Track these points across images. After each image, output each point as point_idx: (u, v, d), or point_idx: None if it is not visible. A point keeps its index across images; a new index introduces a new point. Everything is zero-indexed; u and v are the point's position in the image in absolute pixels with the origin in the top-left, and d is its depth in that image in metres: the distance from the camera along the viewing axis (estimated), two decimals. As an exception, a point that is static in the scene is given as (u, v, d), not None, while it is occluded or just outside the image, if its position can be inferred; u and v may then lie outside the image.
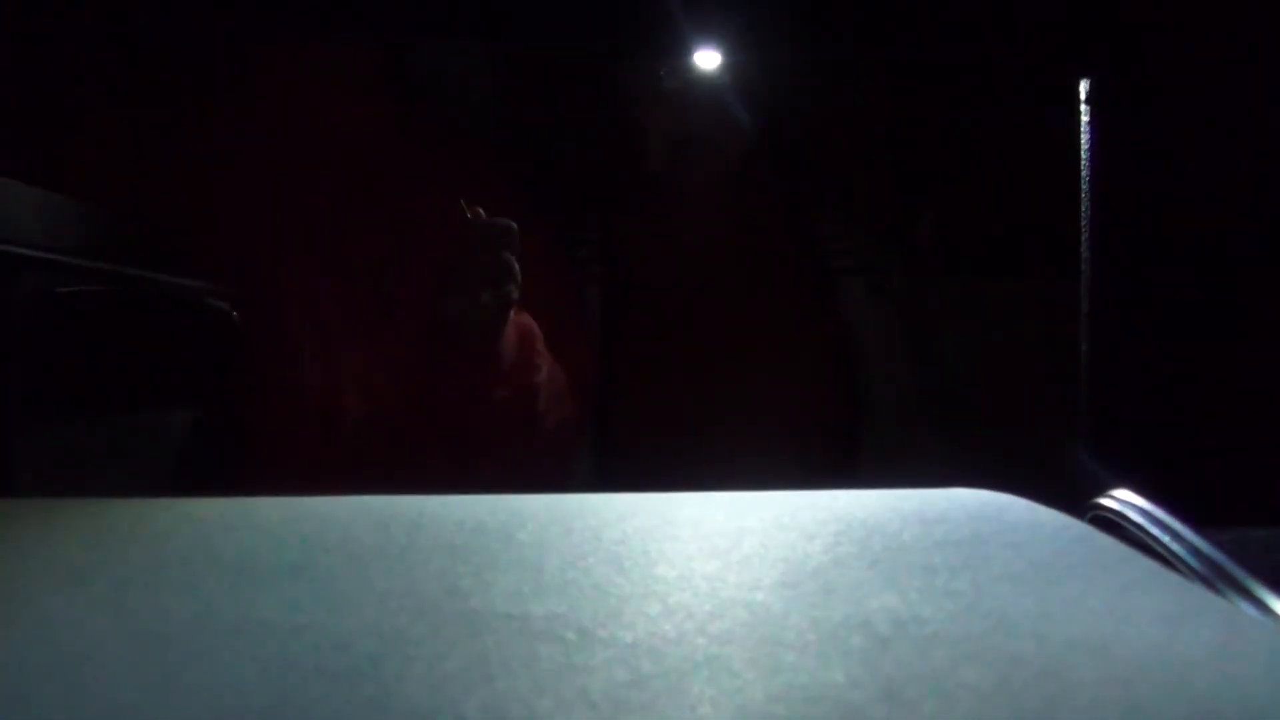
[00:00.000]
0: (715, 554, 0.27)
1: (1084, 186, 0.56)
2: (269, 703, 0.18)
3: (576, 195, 1.15)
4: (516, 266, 0.72)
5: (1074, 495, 0.38)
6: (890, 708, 0.19)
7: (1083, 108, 0.55)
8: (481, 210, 0.72)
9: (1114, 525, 0.33)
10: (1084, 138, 0.56)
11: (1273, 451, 0.52)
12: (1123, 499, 0.33)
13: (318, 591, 0.24)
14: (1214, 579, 0.29)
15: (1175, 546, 0.29)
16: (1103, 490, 0.36)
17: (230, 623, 0.22)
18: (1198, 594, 0.26)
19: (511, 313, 0.75)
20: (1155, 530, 0.31)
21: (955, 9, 0.51)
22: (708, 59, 0.99)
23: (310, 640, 0.21)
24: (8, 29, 0.76)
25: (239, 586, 0.24)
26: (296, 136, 0.81)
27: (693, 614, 0.23)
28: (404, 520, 0.30)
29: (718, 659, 0.21)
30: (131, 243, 0.68)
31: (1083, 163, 0.56)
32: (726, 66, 1.09)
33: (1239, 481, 0.51)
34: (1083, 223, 0.57)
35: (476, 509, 0.31)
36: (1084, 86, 0.55)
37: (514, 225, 0.72)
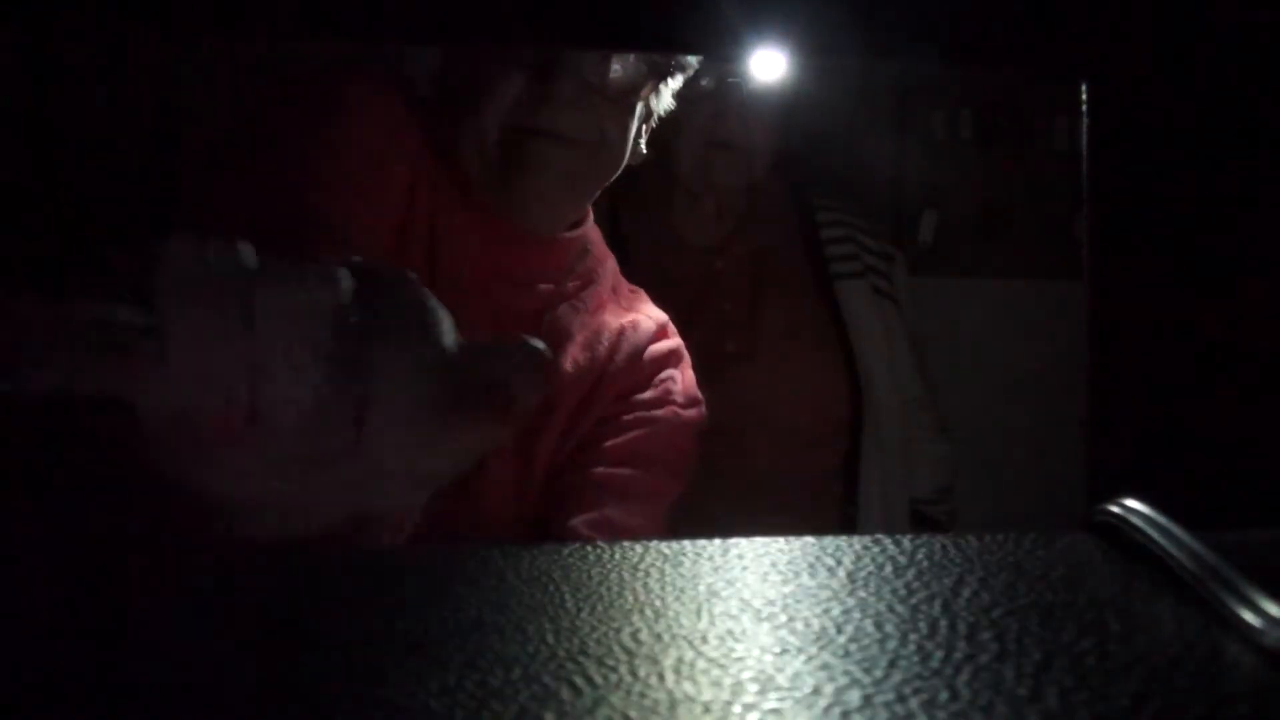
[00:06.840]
0: (740, 608, 0.27)
1: (1085, 187, 0.56)
2: (270, 704, 0.19)
3: None
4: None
5: (1076, 498, 0.38)
6: (890, 712, 0.19)
7: (1083, 109, 0.55)
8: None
9: (1116, 530, 0.33)
10: (1084, 138, 0.56)
11: (1275, 453, 0.52)
12: (1125, 504, 0.33)
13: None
14: (1215, 585, 0.29)
15: (1177, 553, 0.29)
16: (1105, 493, 0.36)
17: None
18: (1200, 599, 0.27)
19: None
20: (1158, 536, 0.31)
21: (955, 10, 0.51)
22: (760, 63, 0.97)
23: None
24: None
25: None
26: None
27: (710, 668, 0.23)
28: (416, 568, 0.30)
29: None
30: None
31: (1083, 163, 0.56)
32: (760, 70, 1.07)
33: (1240, 483, 0.51)
34: (1084, 223, 0.57)
35: (491, 554, 0.31)
36: (1084, 88, 0.55)
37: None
